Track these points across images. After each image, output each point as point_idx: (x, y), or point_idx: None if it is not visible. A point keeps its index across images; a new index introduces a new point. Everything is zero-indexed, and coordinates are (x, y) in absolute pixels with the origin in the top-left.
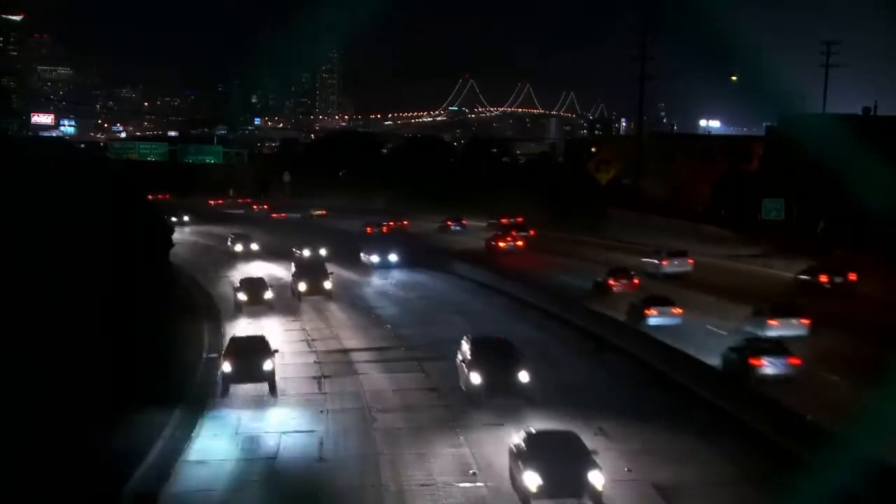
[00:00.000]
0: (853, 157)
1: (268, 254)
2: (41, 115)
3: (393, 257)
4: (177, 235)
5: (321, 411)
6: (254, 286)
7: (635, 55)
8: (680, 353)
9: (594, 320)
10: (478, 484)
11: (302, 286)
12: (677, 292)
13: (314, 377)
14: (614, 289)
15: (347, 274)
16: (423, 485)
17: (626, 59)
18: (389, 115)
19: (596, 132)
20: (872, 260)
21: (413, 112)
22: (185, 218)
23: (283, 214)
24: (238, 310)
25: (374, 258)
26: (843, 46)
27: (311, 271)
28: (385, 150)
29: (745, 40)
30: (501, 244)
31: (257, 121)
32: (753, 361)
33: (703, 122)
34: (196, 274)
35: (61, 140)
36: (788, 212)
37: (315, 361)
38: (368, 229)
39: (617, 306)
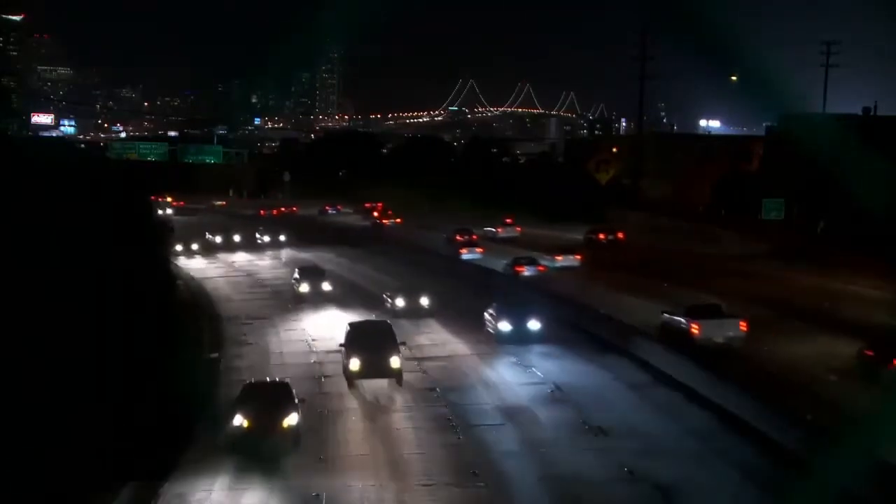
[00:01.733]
0: (853, 157)
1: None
2: (41, 115)
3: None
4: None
5: (321, 411)
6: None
7: (635, 55)
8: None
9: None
10: (478, 484)
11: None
12: (504, 249)
13: (314, 377)
14: (466, 248)
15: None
16: (423, 485)
17: (626, 59)
18: (389, 115)
19: (596, 132)
20: (872, 260)
21: (413, 112)
22: (282, 238)
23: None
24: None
25: (266, 238)
26: (843, 46)
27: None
28: (385, 150)
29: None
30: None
31: (257, 121)
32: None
33: (703, 122)
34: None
35: (61, 140)
36: (788, 212)
37: (315, 361)
38: (262, 212)
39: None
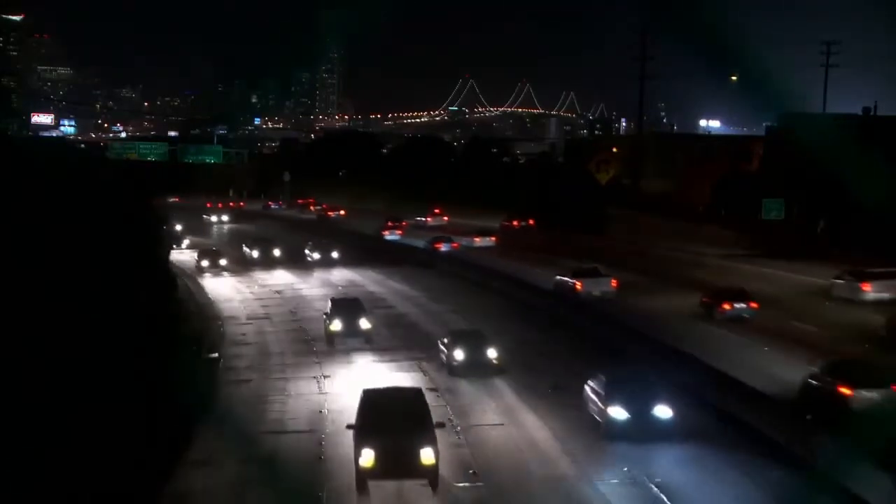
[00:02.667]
0: (853, 157)
1: None
2: (41, 115)
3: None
4: None
5: (321, 411)
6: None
7: (635, 55)
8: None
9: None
10: (478, 484)
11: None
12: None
13: (314, 377)
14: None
15: None
16: (423, 485)
17: (626, 59)
18: (389, 115)
19: (596, 132)
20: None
21: (413, 112)
22: (334, 254)
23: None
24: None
25: (315, 255)
26: (843, 46)
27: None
28: (385, 151)
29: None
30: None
31: (257, 121)
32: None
33: (703, 122)
34: None
35: (61, 140)
36: (788, 212)
37: (315, 361)
38: (208, 204)
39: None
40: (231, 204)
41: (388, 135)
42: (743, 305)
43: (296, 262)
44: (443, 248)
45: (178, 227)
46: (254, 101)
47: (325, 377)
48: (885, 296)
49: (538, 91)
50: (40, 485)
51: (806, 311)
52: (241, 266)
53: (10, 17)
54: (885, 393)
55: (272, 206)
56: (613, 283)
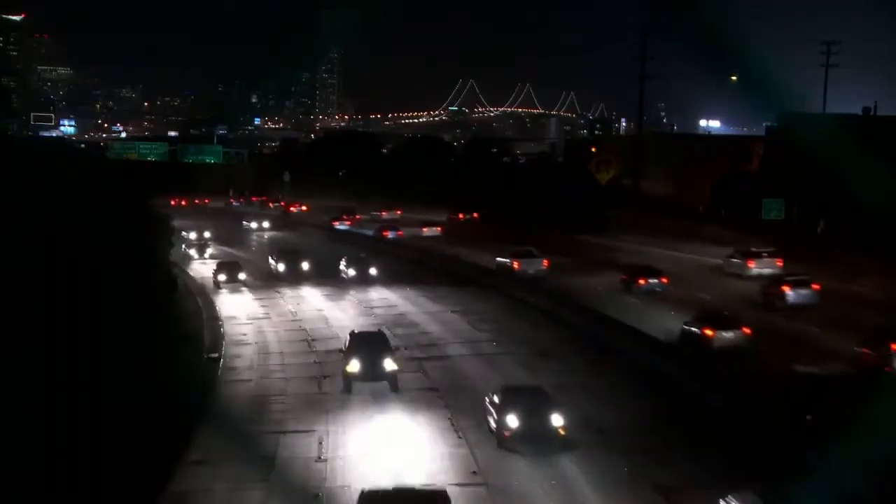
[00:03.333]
0: (853, 157)
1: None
2: (41, 115)
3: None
4: None
5: (320, 411)
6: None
7: (635, 55)
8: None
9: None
10: (478, 484)
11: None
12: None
13: (314, 377)
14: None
15: None
16: (423, 485)
17: (626, 59)
18: (389, 115)
19: (596, 132)
20: (872, 260)
21: (413, 112)
22: (372, 271)
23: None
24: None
25: (351, 272)
26: (843, 46)
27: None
28: (385, 151)
29: (745, 40)
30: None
31: (257, 121)
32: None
33: (703, 122)
34: None
35: (61, 140)
36: (788, 212)
37: (315, 361)
38: (172, 202)
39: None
40: (197, 202)
41: (388, 135)
42: (655, 281)
43: (327, 277)
44: (389, 235)
45: (196, 235)
46: (254, 101)
47: (325, 378)
48: (766, 271)
49: (538, 91)
50: (40, 485)
51: (704, 284)
52: (265, 280)
53: (10, 17)
54: (738, 333)
55: (234, 204)
56: (545, 263)
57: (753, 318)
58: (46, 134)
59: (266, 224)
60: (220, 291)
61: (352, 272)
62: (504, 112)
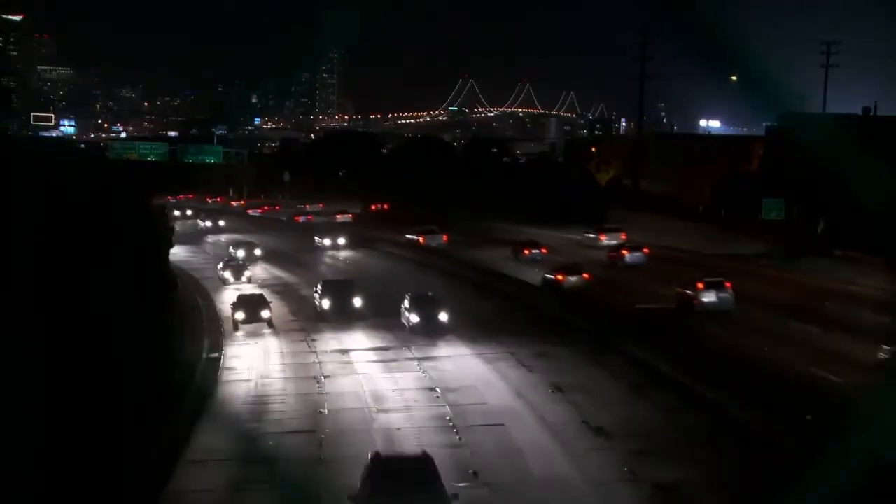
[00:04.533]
0: (853, 157)
1: None
2: (41, 115)
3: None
4: None
5: (321, 411)
6: None
7: (635, 55)
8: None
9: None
10: (477, 484)
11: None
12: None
13: (314, 377)
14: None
15: None
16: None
17: (626, 59)
18: (389, 115)
19: (596, 132)
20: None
21: (413, 112)
22: (443, 318)
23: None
24: None
25: (328, 241)
26: (843, 46)
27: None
28: (385, 151)
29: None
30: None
31: (257, 121)
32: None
33: (703, 122)
34: None
35: (61, 140)
36: (788, 212)
37: (315, 361)
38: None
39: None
40: (190, 196)
41: (388, 135)
42: (537, 251)
43: (386, 316)
44: (301, 220)
45: (245, 252)
46: (254, 101)
47: (325, 377)
48: (613, 242)
49: (538, 91)
50: (40, 484)
51: (571, 253)
52: (303, 320)
53: (10, 17)
54: (580, 278)
55: (209, 201)
56: (444, 237)
57: (603, 274)
58: (46, 134)
59: (342, 241)
60: (236, 336)
61: (415, 318)
62: (504, 112)
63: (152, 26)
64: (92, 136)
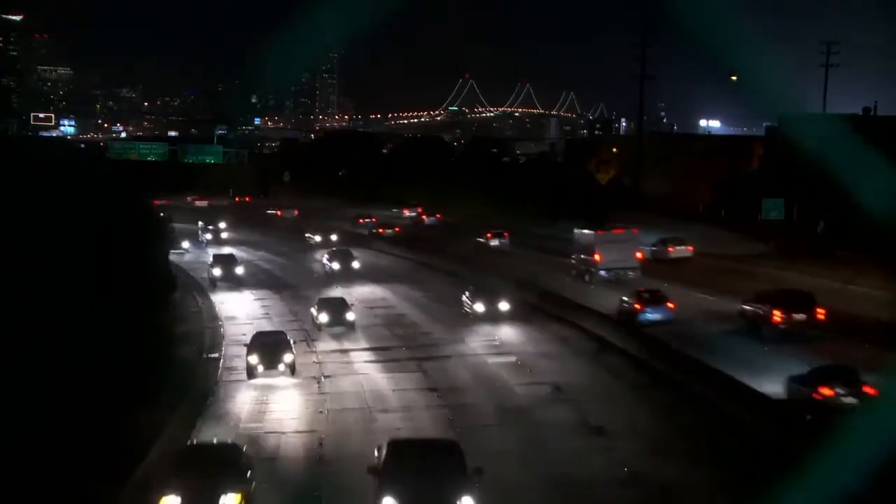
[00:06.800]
0: (853, 157)
1: None
2: (41, 115)
3: None
4: None
5: (321, 411)
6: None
7: (635, 55)
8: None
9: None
10: (477, 484)
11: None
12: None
13: (314, 377)
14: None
15: None
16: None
17: (627, 59)
18: (389, 115)
19: (596, 132)
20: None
21: (413, 112)
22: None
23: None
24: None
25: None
26: (843, 46)
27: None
28: (385, 150)
29: (745, 40)
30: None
31: (257, 121)
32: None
33: (703, 122)
34: None
35: (61, 140)
36: (788, 212)
37: (315, 361)
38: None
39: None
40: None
41: (388, 135)
42: (505, 240)
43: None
44: (283, 214)
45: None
46: (254, 101)
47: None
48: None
49: (538, 91)
50: (39, 484)
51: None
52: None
53: (10, 17)
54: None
55: (195, 201)
56: (397, 229)
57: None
58: (46, 134)
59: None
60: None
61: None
62: (504, 112)
63: (152, 26)
64: (92, 136)
